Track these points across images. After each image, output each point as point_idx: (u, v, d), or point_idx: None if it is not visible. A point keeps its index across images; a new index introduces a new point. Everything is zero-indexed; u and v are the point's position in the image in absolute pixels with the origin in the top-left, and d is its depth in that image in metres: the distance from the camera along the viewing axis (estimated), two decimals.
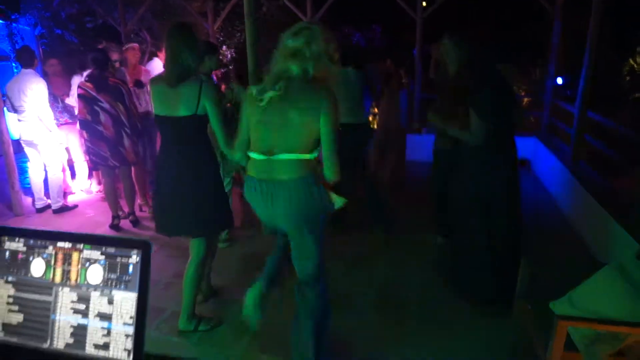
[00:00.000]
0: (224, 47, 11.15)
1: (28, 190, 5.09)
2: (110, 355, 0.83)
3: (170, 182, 2.55)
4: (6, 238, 0.89)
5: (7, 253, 0.89)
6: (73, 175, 5.47)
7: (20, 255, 0.88)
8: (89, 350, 0.84)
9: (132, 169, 4.47)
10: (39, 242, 0.88)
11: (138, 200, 4.74)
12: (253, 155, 2.11)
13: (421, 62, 6.65)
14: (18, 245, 0.89)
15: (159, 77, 2.55)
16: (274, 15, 10.83)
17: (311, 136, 2.04)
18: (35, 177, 4.84)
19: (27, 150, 4.73)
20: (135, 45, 5.39)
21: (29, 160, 4.82)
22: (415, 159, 5.80)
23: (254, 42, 3.71)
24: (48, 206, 4.89)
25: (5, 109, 4.61)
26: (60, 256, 0.87)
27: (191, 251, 2.72)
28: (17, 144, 4.87)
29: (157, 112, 2.52)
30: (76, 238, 0.86)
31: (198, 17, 8.20)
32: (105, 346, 0.83)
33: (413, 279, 3.36)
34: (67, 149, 5.07)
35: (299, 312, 2.28)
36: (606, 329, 1.90)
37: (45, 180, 4.84)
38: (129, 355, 0.82)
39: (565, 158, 5.04)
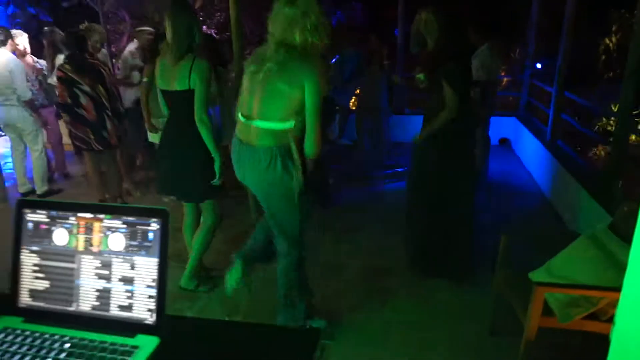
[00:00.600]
0: (205, 27, 10.98)
1: (8, 176, 5.02)
2: (135, 315, 0.90)
3: (170, 150, 2.75)
4: (28, 210, 0.95)
5: (30, 224, 0.94)
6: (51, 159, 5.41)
7: (43, 226, 0.94)
8: (114, 310, 0.91)
9: (118, 152, 4.45)
10: (60, 213, 0.93)
11: (125, 184, 4.74)
12: (239, 116, 2.23)
13: (403, 41, 6.70)
14: (40, 216, 0.94)
15: (163, 53, 2.73)
16: None
17: (292, 107, 2.07)
18: (18, 162, 4.78)
19: (9, 134, 4.66)
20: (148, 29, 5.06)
21: (11, 145, 4.75)
22: (401, 140, 5.86)
23: (238, 24, 3.70)
24: (32, 191, 4.84)
25: None
26: (82, 225, 0.93)
27: (186, 213, 3.02)
28: None
29: (161, 86, 2.70)
30: (97, 209, 0.92)
31: None
32: (130, 307, 0.90)
33: (398, 252, 3.48)
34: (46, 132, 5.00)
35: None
36: (580, 293, 2.03)
37: (28, 165, 4.79)
38: (152, 314, 0.89)
39: (543, 137, 5.21)
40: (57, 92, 4.23)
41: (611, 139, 3.81)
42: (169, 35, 2.58)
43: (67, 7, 8.71)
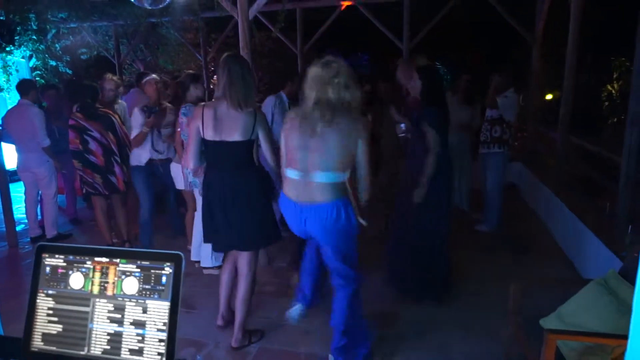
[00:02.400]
0: (215, 77, 11.37)
1: (18, 220, 5.09)
2: (145, 359, 0.91)
3: (221, 203, 2.71)
4: (47, 255, 0.98)
5: (48, 268, 0.97)
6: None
7: (60, 270, 0.97)
8: (125, 355, 0.92)
9: (126, 197, 4.52)
10: (78, 258, 0.96)
11: (134, 229, 4.78)
12: (290, 173, 2.39)
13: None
14: (58, 261, 0.97)
15: (212, 103, 2.67)
16: (264, 45, 11.14)
17: (348, 159, 2.33)
18: (30, 207, 4.87)
19: (24, 179, 4.79)
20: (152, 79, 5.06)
21: (25, 190, 4.86)
22: None
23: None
24: (42, 235, 4.90)
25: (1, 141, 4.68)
26: (97, 270, 0.95)
27: (241, 267, 2.84)
28: (10, 175, 4.92)
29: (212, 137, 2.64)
30: (113, 253, 0.95)
31: (191, 49, 8.42)
32: (140, 351, 0.91)
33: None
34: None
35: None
36: (593, 341, 1.99)
37: (41, 209, 4.87)
38: (162, 358, 0.90)
39: (550, 181, 5.22)
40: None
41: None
42: (229, 85, 2.59)
43: (85, 60, 9.11)
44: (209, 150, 2.68)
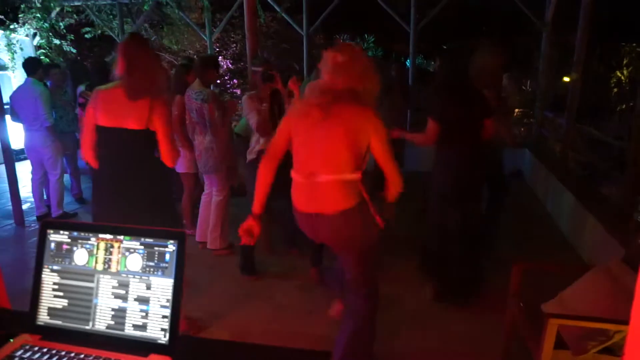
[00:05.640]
0: (220, 58, 11.29)
1: (24, 200, 5.12)
2: (148, 334, 0.92)
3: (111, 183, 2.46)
4: (51, 231, 0.99)
5: (53, 244, 0.98)
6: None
7: (64, 246, 0.98)
8: (128, 330, 0.94)
9: None
10: (82, 234, 0.97)
11: None
12: (296, 177, 2.08)
13: (414, 73, 6.82)
14: (62, 237, 0.98)
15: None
16: (269, 26, 11.03)
17: (360, 154, 2.01)
18: (36, 186, 4.90)
19: (31, 158, 4.81)
20: None
21: (32, 169, 4.89)
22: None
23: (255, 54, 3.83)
24: (47, 214, 4.94)
25: (6, 117, 4.68)
26: (102, 246, 0.96)
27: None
28: (17, 153, 4.94)
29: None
30: (117, 230, 0.96)
31: (196, 29, 8.35)
32: (144, 326, 0.93)
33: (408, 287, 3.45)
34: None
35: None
36: (594, 326, 2.00)
37: (47, 189, 4.90)
38: (165, 334, 0.92)
39: (555, 167, 5.19)
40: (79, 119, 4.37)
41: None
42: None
43: (90, 39, 9.04)
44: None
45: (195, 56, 8.38)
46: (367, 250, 2.16)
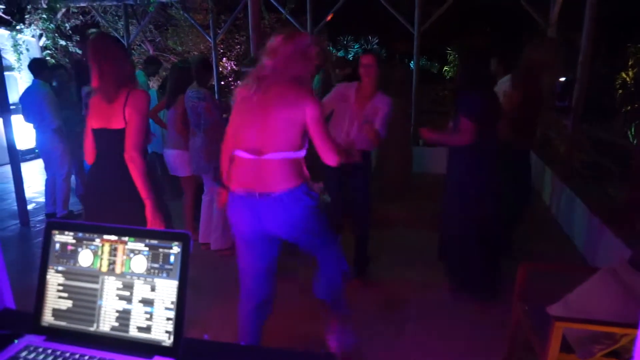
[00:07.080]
0: (224, 59, 11.32)
1: (29, 200, 5.16)
2: (153, 336, 0.92)
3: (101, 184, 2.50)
4: (56, 232, 0.99)
5: (57, 245, 0.98)
6: None
7: (69, 247, 0.98)
8: (133, 332, 0.93)
9: None
10: (87, 235, 0.97)
11: None
12: (238, 154, 2.09)
13: (417, 74, 6.80)
14: (67, 238, 0.98)
15: None
16: (274, 28, 11.05)
17: (300, 133, 2.04)
18: (48, 186, 4.94)
19: (42, 157, 4.89)
20: None
21: (45, 167, 4.94)
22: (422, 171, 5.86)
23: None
24: (53, 214, 4.96)
25: (12, 118, 4.72)
26: (106, 248, 0.96)
27: None
28: (24, 154, 4.99)
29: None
30: (122, 231, 0.96)
31: (201, 30, 8.37)
32: (148, 328, 0.93)
33: (416, 280, 3.44)
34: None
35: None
36: (600, 329, 1.98)
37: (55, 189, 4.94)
38: (169, 336, 0.91)
39: (560, 169, 5.16)
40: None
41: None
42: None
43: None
44: None
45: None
46: (322, 229, 2.20)
